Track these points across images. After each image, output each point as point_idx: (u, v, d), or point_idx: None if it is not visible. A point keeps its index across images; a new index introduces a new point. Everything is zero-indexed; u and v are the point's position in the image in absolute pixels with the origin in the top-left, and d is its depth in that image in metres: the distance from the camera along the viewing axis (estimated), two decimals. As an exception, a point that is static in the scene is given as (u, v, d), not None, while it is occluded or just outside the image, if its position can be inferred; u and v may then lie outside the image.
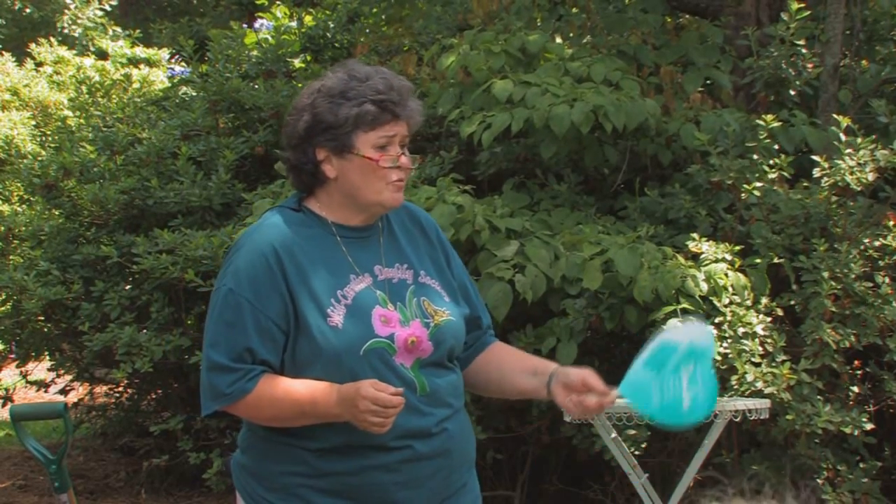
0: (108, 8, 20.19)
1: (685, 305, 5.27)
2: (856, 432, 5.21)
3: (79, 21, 19.96)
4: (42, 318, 7.34)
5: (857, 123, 5.75)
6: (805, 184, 5.75)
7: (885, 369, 5.48)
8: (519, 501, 6.27)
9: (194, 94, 8.11)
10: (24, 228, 7.83)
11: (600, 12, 7.30)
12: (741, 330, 5.27)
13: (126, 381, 7.37)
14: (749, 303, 5.37)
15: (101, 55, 13.98)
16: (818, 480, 5.24)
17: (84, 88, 11.28)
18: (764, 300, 5.44)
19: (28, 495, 7.33)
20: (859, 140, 5.56)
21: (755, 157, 5.73)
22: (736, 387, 5.18)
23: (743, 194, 5.69)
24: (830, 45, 6.37)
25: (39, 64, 13.46)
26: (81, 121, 9.40)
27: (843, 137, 5.58)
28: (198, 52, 8.01)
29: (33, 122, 11.69)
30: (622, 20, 7.13)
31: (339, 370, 2.61)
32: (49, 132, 10.91)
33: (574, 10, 7.62)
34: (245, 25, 10.87)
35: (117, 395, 7.84)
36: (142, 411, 7.71)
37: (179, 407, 7.01)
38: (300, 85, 7.45)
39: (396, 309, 2.69)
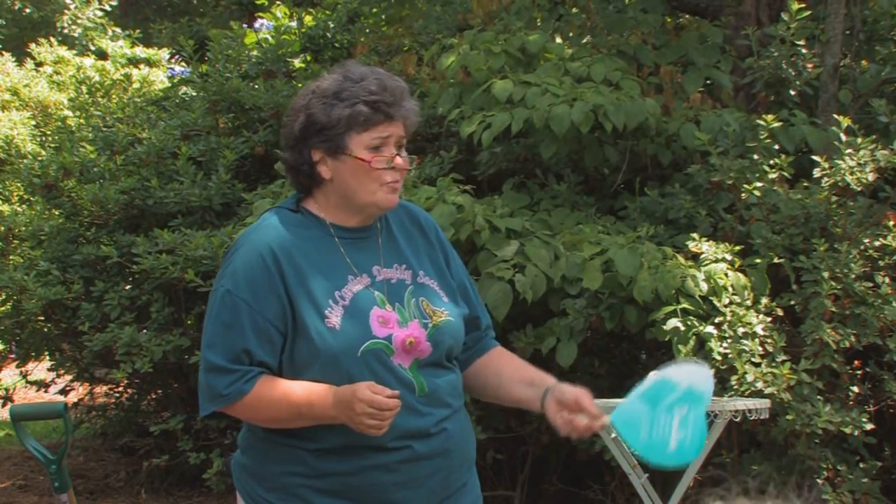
0: (107, 8, 20.20)
1: (685, 305, 5.27)
2: (856, 432, 5.20)
3: (79, 21, 19.96)
4: (42, 318, 7.34)
5: (858, 123, 5.75)
6: (805, 184, 5.75)
7: (885, 369, 5.48)
8: (519, 501, 6.27)
9: (194, 94, 8.11)
10: (24, 228, 7.83)
11: (600, 12, 7.30)
12: (741, 330, 5.27)
13: (126, 381, 7.38)
14: (749, 303, 5.36)
15: (101, 55, 13.97)
16: (818, 480, 5.23)
17: (84, 88, 11.27)
18: (764, 300, 5.43)
19: (28, 495, 7.33)
20: (859, 140, 5.55)
21: (755, 157, 5.72)
22: (736, 387, 5.17)
23: (743, 194, 5.69)
24: (830, 45, 6.37)
25: (39, 64, 13.46)
26: (81, 121, 9.39)
27: (843, 137, 5.57)
28: (198, 52, 8.01)
29: (33, 122, 11.68)
30: (622, 20, 7.13)
31: (336, 371, 2.60)
32: (49, 132, 10.90)
33: (574, 10, 7.62)
34: (245, 25, 10.88)
35: (117, 395, 7.84)
36: (142, 411, 7.71)
37: (179, 407, 7.01)
38: (300, 85, 7.45)
39: (395, 309, 2.69)
